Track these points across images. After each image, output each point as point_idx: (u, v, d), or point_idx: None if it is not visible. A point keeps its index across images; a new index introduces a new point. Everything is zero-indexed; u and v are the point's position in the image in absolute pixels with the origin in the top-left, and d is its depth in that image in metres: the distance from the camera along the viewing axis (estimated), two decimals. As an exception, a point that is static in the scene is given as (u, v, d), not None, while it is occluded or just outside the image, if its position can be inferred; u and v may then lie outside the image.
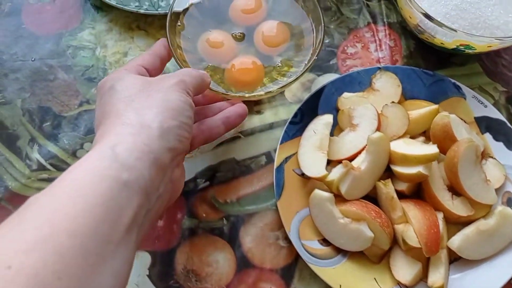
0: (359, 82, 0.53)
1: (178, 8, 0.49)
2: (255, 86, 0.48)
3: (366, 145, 0.46)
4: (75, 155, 0.51)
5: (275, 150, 0.51)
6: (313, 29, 0.50)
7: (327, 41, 0.58)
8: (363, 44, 0.58)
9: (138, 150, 0.32)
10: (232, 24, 0.51)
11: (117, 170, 0.30)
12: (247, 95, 0.46)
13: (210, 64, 0.49)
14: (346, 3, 0.60)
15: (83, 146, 0.52)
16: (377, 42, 0.58)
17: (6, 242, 0.26)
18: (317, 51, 0.47)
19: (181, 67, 0.45)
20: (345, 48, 0.58)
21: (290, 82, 0.45)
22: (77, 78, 0.55)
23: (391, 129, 0.48)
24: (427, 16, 0.48)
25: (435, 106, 0.49)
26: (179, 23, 0.49)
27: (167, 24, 0.47)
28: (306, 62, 0.48)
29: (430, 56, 0.57)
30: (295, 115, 0.50)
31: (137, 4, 0.56)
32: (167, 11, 0.54)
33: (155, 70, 0.42)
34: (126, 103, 0.35)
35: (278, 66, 0.49)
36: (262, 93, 0.46)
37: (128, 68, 0.40)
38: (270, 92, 0.46)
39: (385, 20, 0.59)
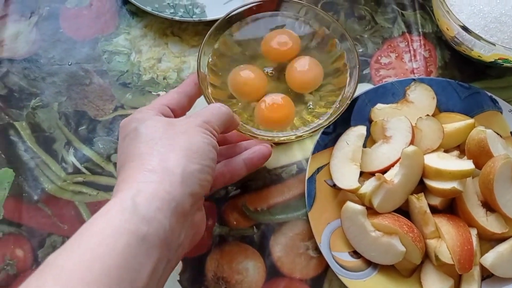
0: (392, 93, 0.53)
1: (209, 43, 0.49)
2: (285, 125, 0.48)
3: (400, 158, 0.47)
4: (109, 159, 0.53)
5: (306, 160, 0.52)
6: (347, 70, 0.49)
7: (360, 50, 0.58)
8: (397, 54, 0.58)
9: (160, 198, 0.31)
10: (263, 60, 0.51)
11: (136, 223, 0.29)
12: (276, 138, 0.46)
13: (240, 102, 0.49)
14: (380, 12, 0.60)
15: (117, 150, 0.53)
16: (412, 52, 0.58)
17: None
18: (351, 94, 0.46)
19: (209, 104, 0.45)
20: (379, 58, 0.58)
21: (321, 126, 0.45)
22: (112, 83, 0.56)
23: (425, 143, 0.49)
24: (465, 28, 0.48)
25: (471, 121, 0.49)
26: (210, 58, 0.49)
27: (198, 60, 0.47)
28: (338, 103, 0.48)
29: (465, 67, 0.57)
30: (328, 126, 0.51)
31: (172, 11, 0.57)
32: (202, 18, 0.56)
33: (181, 110, 0.43)
34: (149, 146, 0.35)
35: (310, 108, 0.49)
36: (292, 137, 0.46)
37: (152, 108, 0.39)
38: (300, 136, 0.45)
39: (420, 30, 0.59)
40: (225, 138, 0.48)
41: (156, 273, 0.30)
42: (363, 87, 0.55)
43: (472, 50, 0.51)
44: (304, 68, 0.50)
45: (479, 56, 0.51)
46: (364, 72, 0.57)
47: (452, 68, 0.57)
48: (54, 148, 0.53)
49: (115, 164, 0.53)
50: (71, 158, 0.53)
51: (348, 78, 0.49)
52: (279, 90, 0.50)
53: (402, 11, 0.60)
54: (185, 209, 0.33)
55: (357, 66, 0.47)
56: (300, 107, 0.49)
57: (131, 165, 0.34)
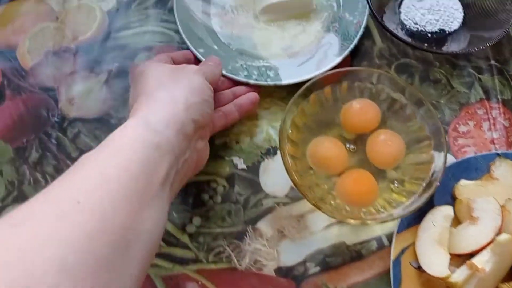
0: (476, 168, 0.52)
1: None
2: (368, 203, 0.47)
3: (489, 242, 0.46)
4: (184, 230, 0.52)
5: (386, 236, 0.51)
6: (430, 140, 0.48)
7: (437, 116, 0.57)
8: (475, 122, 0.57)
9: (167, 120, 0.39)
10: (340, 129, 0.51)
11: (150, 135, 0.37)
12: (358, 221, 0.45)
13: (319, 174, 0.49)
14: (456, 75, 0.59)
15: (192, 220, 0.52)
16: (491, 121, 0.57)
17: (73, 184, 0.32)
18: (439, 175, 0.45)
19: (289, 176, 0.45)
20: (457, 126, 0.57)
21: (410, 210, 0.44)
22: (185, 146, 0.56)
23: (516, 227, 0.47)
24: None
25: None
26: (289, 130, 0.49)
27: (279, 135, 0.47)
28: (426, 183, 0.47)
29: (548, 138, 0.55)
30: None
31: (246, 73, 0.57)
32: (276, 82, 0.55)
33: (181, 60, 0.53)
34: (157, 84, 0.43)
35: (395, 186, 0.48)
36: (378, 220, 0.45)
37: (158, 59, 0.50)
38: (385, 221, 0.45)
39: (499, 97, 0.58)
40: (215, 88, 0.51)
41: (169, 177, 0.37)
42: (442, 156, 0.54)
43: None
44: (386, 144, 0.49)
45: None
46: (441, 140, 0.56)
47: (533, 140, 0.56)
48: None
49: (190, 235, 0.52)
50: (146, 227, 0.52)
51: (433, 152, 0.48)
52: (360, 165, 0.50)
53: (479, 75, 0.59)
54: (188, 132, 0.41)
55: (445, 150, 0.46)
56: (382, 184, 0.49)
57: (141, 99, 0.42)
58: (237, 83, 0.56)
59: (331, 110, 0.52)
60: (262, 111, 0.58)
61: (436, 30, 0.58)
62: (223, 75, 0.55)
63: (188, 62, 0.53)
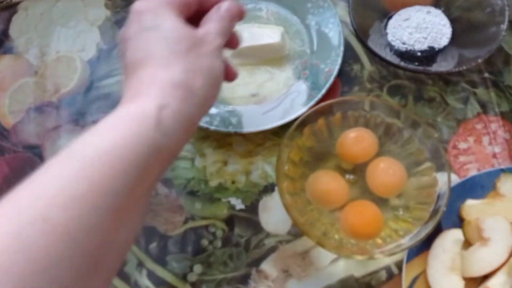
0: (481, 186, 0.52)
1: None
2: (374, 236, 0.47)
3: (504, 263, 0.46)
4: (185, 279, 0.52)
5: (395, 264, 0.51)
6: (431, 162, 0.49)
7: (435, 135, 0.57)
8: (475, 138, 0.57)
9: (180, 117, 0.33)
10: (338, 160, 0.51)
11: (157, 137, 0.31)
12: (365, 256, 0.45)
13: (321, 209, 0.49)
14: (450, 91, 0.60)
15: (192, 268, 0.52)
16: (491, 135, 0.57)
17: (45, 192, 0.27)
18: (445, 199, 0.46)
19: (289, 215, 0.45)
20: (456, 143, 0.57)
21: (419, 239, 0.44)
22: (179, 192, 0.56)
23: (528, 244, 0.47)
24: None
25: None
26: (286, 167, 0.49)
27: (276, 175, 0.47)
28: (432, 207, 0.47)
29: (551, 147, 0.56)
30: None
31: (207, 119, 0.57)
32: (237, 130, 0.56)
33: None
34: (176, 56, 0.34)
35: (401, 214, 0.48)
36: (386, 252, 0.45)
37: (169, 3, 0.36)
38: (394, 253, 0.45)
39: (496, 109, 0.58)
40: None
41: (159, 178, 0.34)
42: (443, 176, 0.54)
43: None
44: (387, 173, 0.50)
45: None
46: (442, 160, 0.56)
47: (536, 149, 0.56)
48: (125, 271, 0.52)
49: (192, 284, 0.52)
50: (145, 281, 0.52)
51: (436, 174, 0.49)
52: (361, 195, 0.50)
53: (474, 89, 0.60)
54: (194, 128, 0.38)
55: (443, 157, 0.47)
56: (387, 213, 0.49)
57: (156, 68, 0.34)
58: None
59: (327, 142, 0.52)
60: (256, 148, 0.58)
61: (425, 48, 0.59)
62: None
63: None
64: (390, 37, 0.61)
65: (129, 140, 0.30)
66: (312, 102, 0.56)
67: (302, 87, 0.59)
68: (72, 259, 0.26)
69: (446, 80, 0.60)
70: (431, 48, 0.59)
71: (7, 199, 0.27)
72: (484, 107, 0.59)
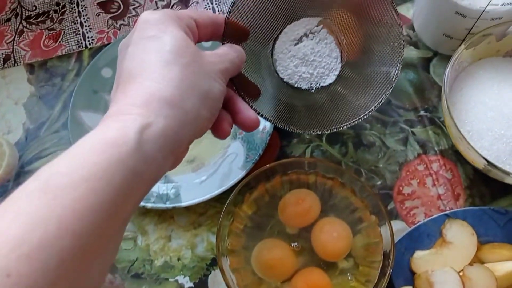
0: (428, 234, 0.52)
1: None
2: None
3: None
4: None
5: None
6: (378, 224, 0.49)
7: (378, 183, 0.58)
8: (418, 180, 0.58)
9: (166, 137, 0.31)
10: (283, 226, 0.50)
11: (137, 161, 0.29)
12: None
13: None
14: (389, 134, 0.60)
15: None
16: (433, 176, 0.57)
17: (7, 240, 0.24)
18: (391, 259, 0.46)
19: None
20: (400, 188, 0.57)
21: None
22: (124, 276, 0.55)
23: (478, 293, 0.48)
24: (492, 165, 0.48)
25: (521, 261, 0.48)
26: (228, 242, 0.48)
27: (217, 251, 0.47)
28: (380, 267, 0.47)
29: (493, 181, 0.56)
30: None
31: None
32: (176, 205, 0.55)
33: (204, 30, 0.40)
34: (173, 70, 0.33)
35: (351, 276, 0.48)
36: None
37: (179, 18, 0.36)
38: None
39: (435, 148, 0.59)
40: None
41: (136, 208, 0.32)
42: (393, 226, 0.54)
43: (504, 179, 0.51)
44: (332, 236, 0.50)
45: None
46: (389, 207, 0.56)
47: (479, 185, 0.57)
48: None
49: None
50: None
51: (380, 229, 0.49)
52: (309, 261, 0.49)
53: (412, 129, 0.60)
54: (181, 150, 0.35)
55: (383, 213, 0.47)
56: (336, 279, 0.48)
57: (148, 80, 0.32)
58: None
59: (269, 208, 0.52)
60: (198, 218, 0.57)
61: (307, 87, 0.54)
62: None
63: (215, 29, 0.42)
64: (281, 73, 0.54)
65: (106, 167, 0.28)
66: (250, 165, 0.55)
67: (239, 148, 0.58)
68: None
69: (383, 122, 0.60)
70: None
71: None
72: (424, 146, 0.59)
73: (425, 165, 0.58)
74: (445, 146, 0.59)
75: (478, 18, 0.51)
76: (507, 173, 0.47)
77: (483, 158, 0.47)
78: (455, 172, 0.57)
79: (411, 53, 0.63)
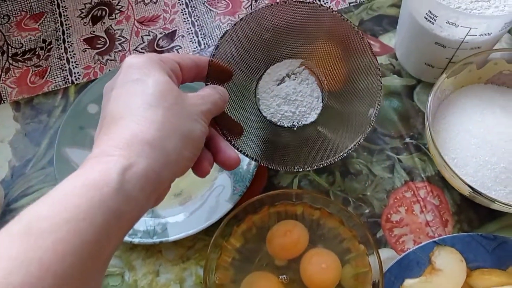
0: (417, 262, 0.52)
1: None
2: None
3: None
4: None
5: None
6: (366, 254, 0.49)
7: (367, 211, 0.58)
8: (406, 207, 0.58)
9: (147, 178, 0.31)
10: (271, 258, 0.50)
11: (118, 201, 0.29)
12: None
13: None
14: (376, 161, 0.60)
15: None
16: (421, 202, 0.58)
17: None
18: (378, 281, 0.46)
19: None
20: (389, 216, 0.57)
21: None
22: (111, 314, 0.54)
23: (471, 322, 0.47)
24: (477, 192, 0.48)
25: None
26: (215, 277, 0.48)
27: (203, 278, 0.46)
28: None
29: (481, 206, 0.56)
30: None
31: (130, 232, 0.54)
32: (163, 239, 0.54)
33: (187, 73, 0.42)
34: (155, 113, 0.34)
35: None
36: None
37: (163, 62, 0.38)
38: None
39: (422, 175, 0.59)
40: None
41: (118, 245, 0.32)
42: (382, 254, 0.54)
43: (490, 206, 0.51)
44: (321, 268, 0.49)
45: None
46: (377, 236, 0.56)
47: (467, 210, 0.57)
48: None
49: None
50: None
51: (368, 258, 0.49)
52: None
53: (398, 156, 0.60)
54: (162, 189, 0.35)
55: (370, 243, 0.47)
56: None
57: (131, 123, 0.33)
58: None
59: (257, 240, 0.52)
60: (186, 251, 0.56)
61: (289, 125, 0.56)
62: None
63: (198, 71, 0.43)
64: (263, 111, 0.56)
65: (87, 209, 0.28)
66: (237, 197, 0.55)
67: (226, 180, 0.58)
68: None
69: (369, 150, 0.61)
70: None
71: None
72: (411, 173, 0.59)
73: (412, 192, 0.58)
74: (431, 172, 0.59)
75: (458, 48, 0.52)
76: (492, 200, 0.48)
77: (468, 185, 0.48)
78: (443, 198, 0.58)
79: (394, 81, 0.64)
